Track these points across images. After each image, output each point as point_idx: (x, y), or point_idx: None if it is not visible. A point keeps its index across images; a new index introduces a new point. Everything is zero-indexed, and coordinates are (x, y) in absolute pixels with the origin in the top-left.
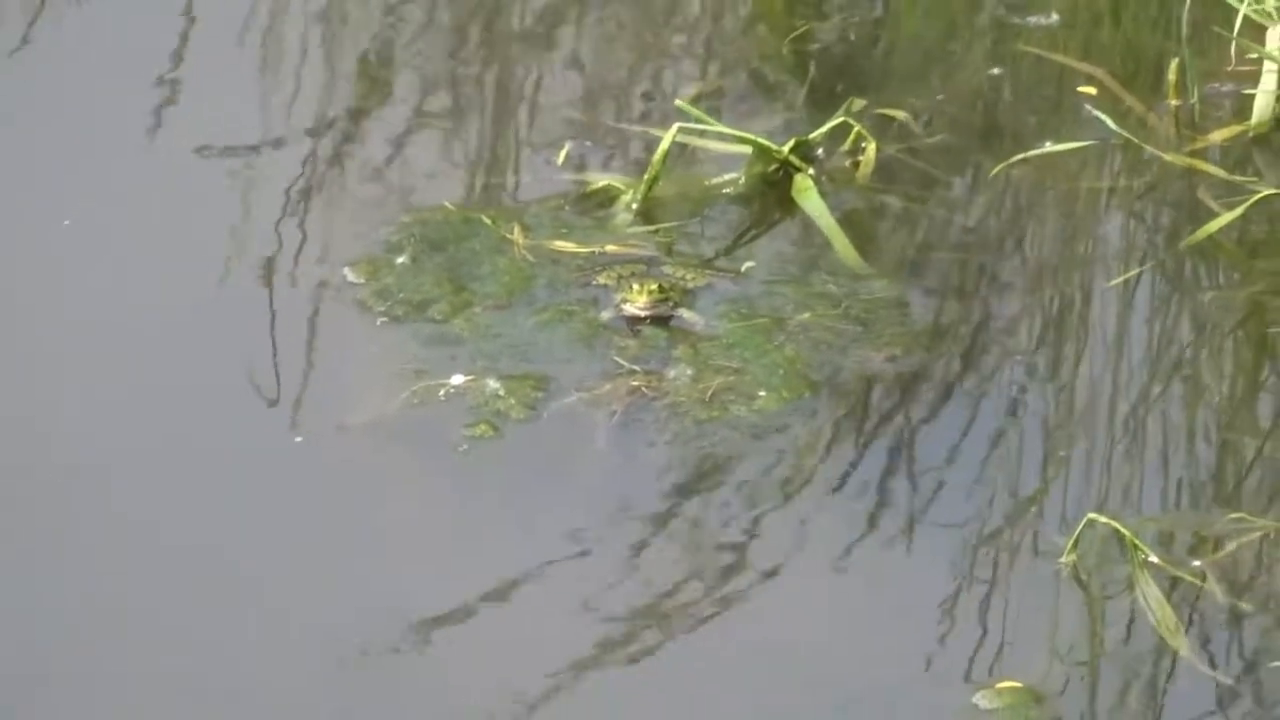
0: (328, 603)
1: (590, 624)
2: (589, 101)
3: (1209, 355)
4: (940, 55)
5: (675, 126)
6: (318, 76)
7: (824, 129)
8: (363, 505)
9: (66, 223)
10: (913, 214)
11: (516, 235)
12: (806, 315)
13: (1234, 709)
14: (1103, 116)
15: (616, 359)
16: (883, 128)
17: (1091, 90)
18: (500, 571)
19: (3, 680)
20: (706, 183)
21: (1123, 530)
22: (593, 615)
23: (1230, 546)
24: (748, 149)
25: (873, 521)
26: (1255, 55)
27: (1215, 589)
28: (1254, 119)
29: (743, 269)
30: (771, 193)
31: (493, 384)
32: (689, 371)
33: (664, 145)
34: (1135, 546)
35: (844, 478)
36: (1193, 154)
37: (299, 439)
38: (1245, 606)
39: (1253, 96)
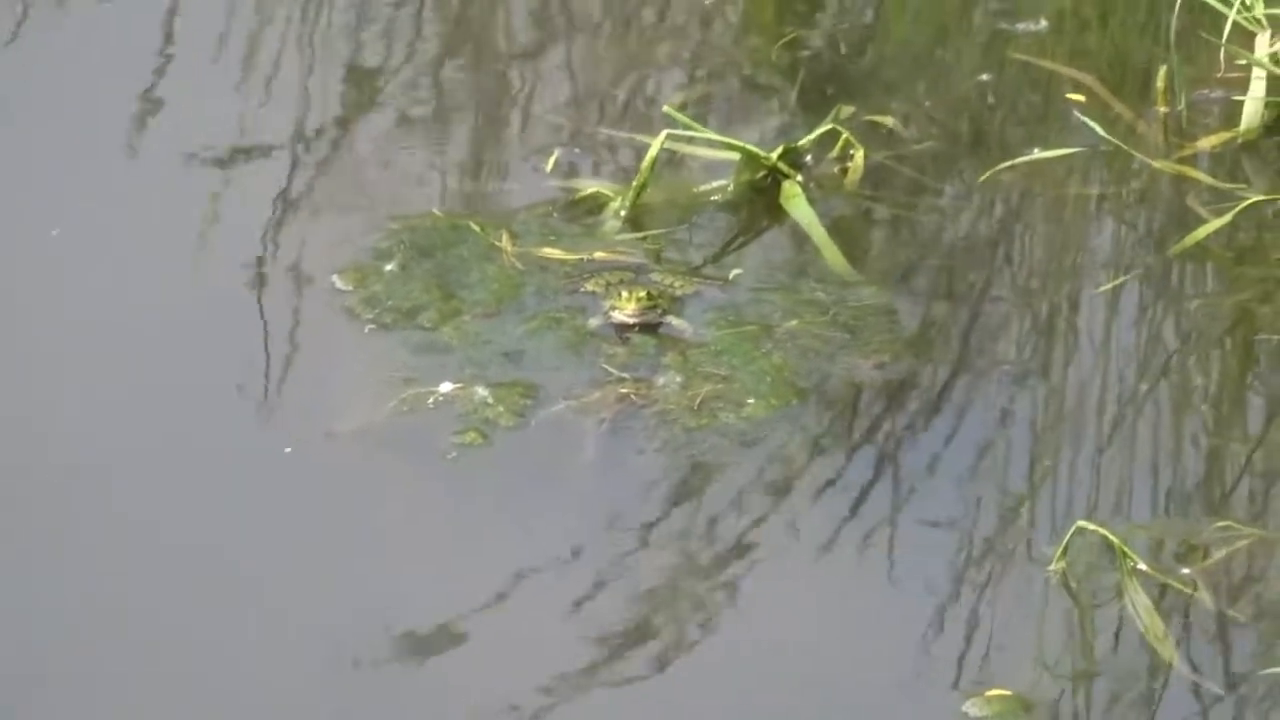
0: (317, 608)
1: (580, 631)
2: (577, 108)
3: (1197, 362)
4: (929, 62)
5: (664, 133)
6: (306, 83)
7: (812, 136)
8: (351, 513)
9: (55, 232)
10: (901, 221)
11: (505, 242)
12: (795, 322)
13: (1223, 717)
14: (1091, 123)
15: (605, 366)
16: (871, 134)
17: (1080, 97)
18: (490, 578)
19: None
20: (695, 189)
21: (1112, 538)
22: (582, 622)
23: (1219, 554)
24: (736, 156)
25: (861, 529)
26: (1244, 61)
27: (1204, 597)
28: (1242, 125)
29: (731, 276)
30: (760, 200)
31: (481, 391)
32: (678, 379)
33: (652, 152)
34: (1124, 554)
35: (832, 485)
36: (1181, 160)
37: (287, 447)
38: (1234, 614)
39: (1241, 103)
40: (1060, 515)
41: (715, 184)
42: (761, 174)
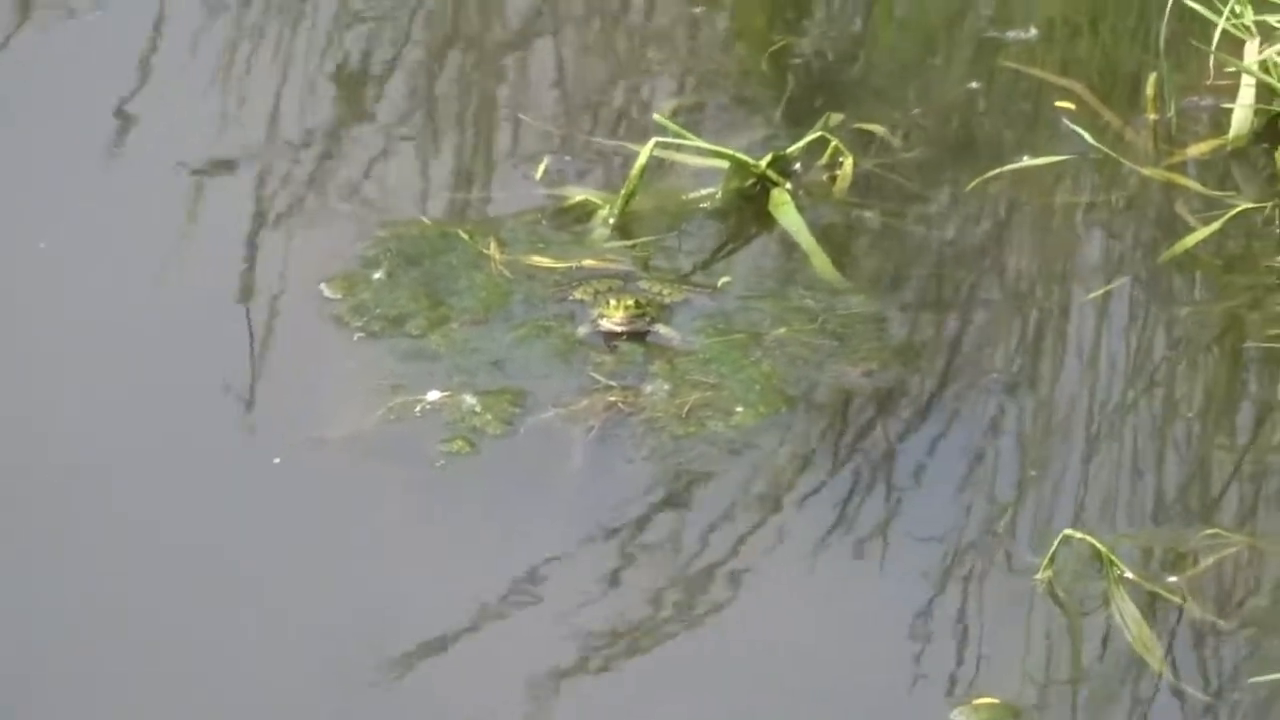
0: (306, 614)
1: (567, 639)
2: (566, 116)
3: (1186, 370)
4: (918, 70)
5: (653, 141)
6: (294, 92)
7: (801, 144)
8: (339, 520)
9: (42, 245)
10: (890, 229)
11: (493, 250)
12: (783, 330)
13: None
14: (1080, 131)
15: (593, 374)
16: (860, 142)
17: (1069, 105)
18: (478, 586)
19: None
20: (684, 197)
21: (1099, 546)
22: (570, 629)
23: (1206, 562)
24: (725, 164)
25: (849, 537)
26: (1233, 69)
27: (1192, 605)
28: (1232, 133)
29: (720, 284)
30: (749, 207)
31: (469, 399)
32: (666, 387)
33: (641, 160)
34: (1111, 562)
35: (820, 493)
36: (1170, 168)
37: (275, 456)
38: (1221, 622)
39: (1230, 111)
40: (1047, 523)
41: (704, 192)
42: (750, 182)
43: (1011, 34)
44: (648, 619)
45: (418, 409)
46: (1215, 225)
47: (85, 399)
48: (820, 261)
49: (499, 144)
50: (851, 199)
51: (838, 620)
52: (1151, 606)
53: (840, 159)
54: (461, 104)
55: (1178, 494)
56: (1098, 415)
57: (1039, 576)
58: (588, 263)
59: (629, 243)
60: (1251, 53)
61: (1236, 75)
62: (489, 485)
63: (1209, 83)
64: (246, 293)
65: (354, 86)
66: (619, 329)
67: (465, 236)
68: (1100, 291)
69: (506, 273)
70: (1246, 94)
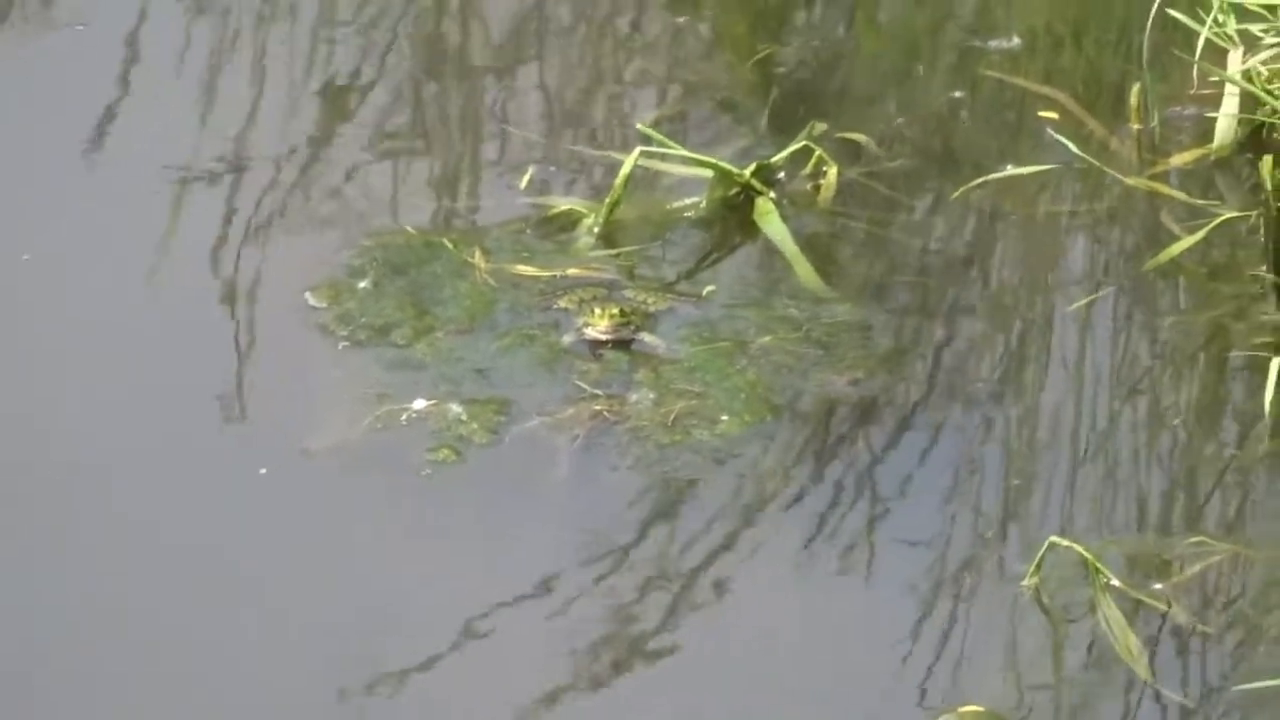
0: (291, 624)
1: (553, 648)
2: (551, 125)
3: (1171, 379)
4: (902, 79)
5: (637, 150)
6: (278, 101)
7: (785, 153)
8: (325, 530)
9: (26, 257)
10: (874, 238)
11: (478, 259)
12: (768, 339)
13: None
14: (1064, 140)
15: (578, 383)
16: (844, 151)
17: (1053, 114)
18: (465, 594)
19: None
20: (668, 207)
21: (1085, 553)
22: (556, 639)
23: (1192, 570)
24: (709, 173)
25: (835, 546)
26: (1216, 79)
27: (1178, 612)
28: (1215, 142)
29: (704, 293)
30: (733, 216)
31: (455, 408)
32: (651, 395)
33: (626, 169)
34: (1097, 570)
35: (805, 502)
36: (1154, 178)
37: (261, 467)
38: (1207, 629)
39: (1214, 120)
40: (1033, 531)
41: (688, 201)
42: (735, 191)
43: (995, 43)
44: (633, 627)
45: (403, 418)
46: (1199, 234)
47: (66, 407)
48: (804, 270)
49: (484, 153)
50: (836, 208)
51: (823, 629)
52: (1137, 613)
53: (824, 168)
54: (447, 113)
55: (1163, 501)
56: (1083, 423)
57: (1025, 584)
58: (573, 271)
59: (614, 252)
60: (1235, 62)
61: (1220, 85)
62: (475, 494)
63: (1192, 92)
64: (232, 301)
65: (339, 96)
66: (604, 337)
67: (450, 246)
68: (1085, 301)
69: (492, 282)
70: (1230, 103)
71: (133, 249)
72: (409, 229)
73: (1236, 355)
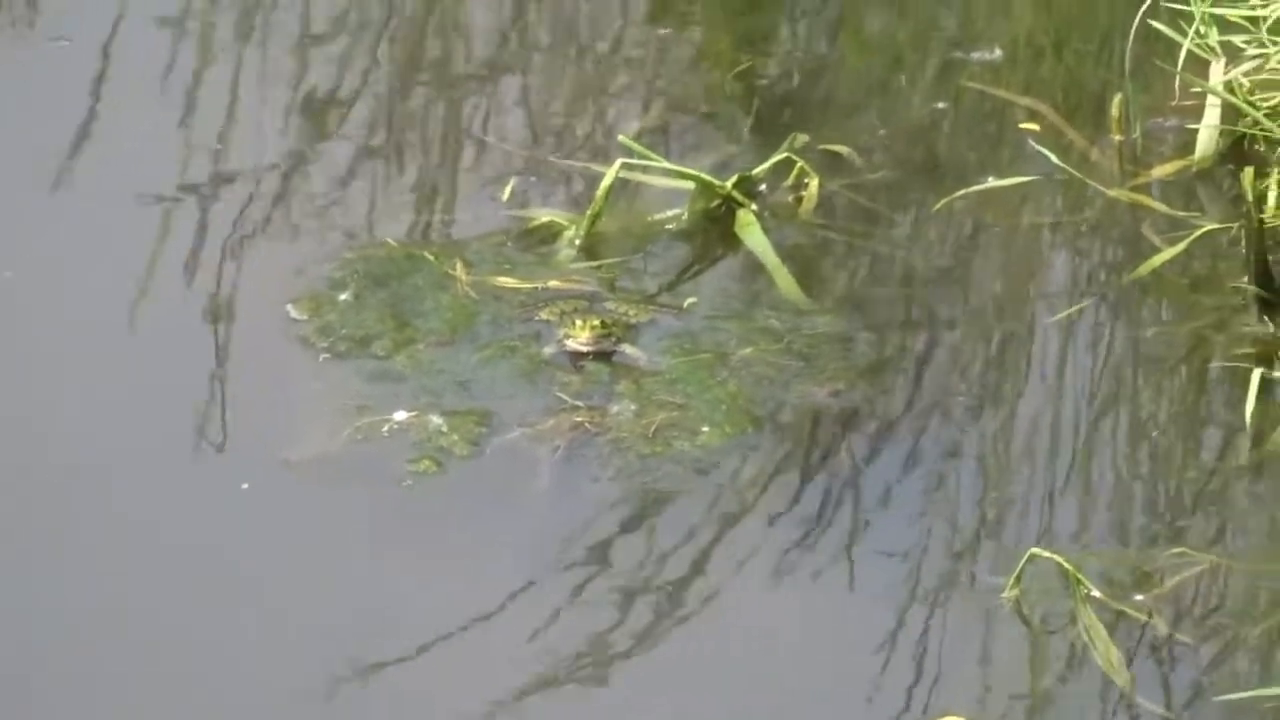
0: (273, 634)
1: (533, 659)
2: (533, 137)
3: (1152, 390)
4: (884, 90)
5: (618, 162)
6: (259, 115)
7: (767, 165)
8: (306, 541)
9: (8, 274)
10: (856, 249)
11: (459, 271)
12: (749, 350)
13: None
14: (1046, 151)
15: (559, 395)
16: (826, 163)
17: (1034, 125)
18: (445, 606)
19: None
20: (649, 218)
21: (1065, 565)
22: (536, 650)
23: (1173, 581)
24: (691, 185)
25: (815, 557)
26: (1198, 90)
27: (1158, 623)
28: (1197, 154)
29: (685, 304)
30: (714, 228)
31: (436, 420)
32: (632, 407)
33: (607, 181)
34: (1078, 581)
35: (786, 513)
36: (1136, 189)
37: (241, 477)
38: (1187, 640)
39: (1196, 131)
40: (1014, 542)
41: (670, 213)
42: (716, 203)
43: (976, 55)
44: (614, 638)
45: (385, 429)
46: (1181, 246)
47: (46, 420)
48: (786, 282)
49: (465, 166)
50: (817, 220)
51: (803, 638)
52: (1118, 625)
53: (806, 180)
54: (428, 126)
55: (1144, 513)
56: (1064, 435)
57: (1006, 595)
58: (554, 283)
59: (595, 263)
60: (1216, 74)
61: (1201, 96)
62: (456, 505)
63: (1174, 104)
64: (213, 313)
65: (319, 109)
66: (585, 349)
67: (431, 258)
68: (1066, 312)
69: (472, 294)
70: (1211, 115)
71: (114, 263)
72: (390, 241)
73: (1217, 367)
